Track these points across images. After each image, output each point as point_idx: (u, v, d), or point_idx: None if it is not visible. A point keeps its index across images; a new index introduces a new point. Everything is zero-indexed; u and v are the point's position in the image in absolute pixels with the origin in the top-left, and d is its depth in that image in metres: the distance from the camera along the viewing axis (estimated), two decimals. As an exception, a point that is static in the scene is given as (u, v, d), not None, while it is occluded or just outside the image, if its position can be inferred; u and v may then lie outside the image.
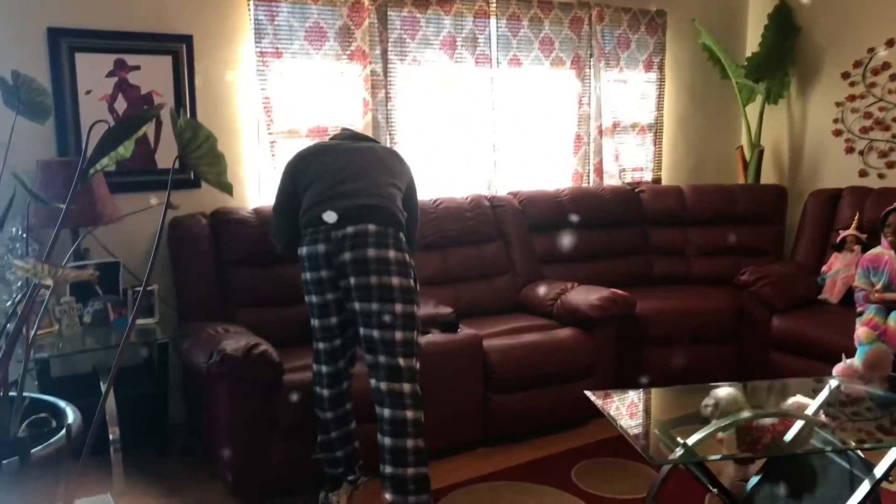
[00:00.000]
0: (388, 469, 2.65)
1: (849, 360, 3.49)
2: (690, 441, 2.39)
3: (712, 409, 2.78)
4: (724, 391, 2.46)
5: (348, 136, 3.07)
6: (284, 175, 2.95)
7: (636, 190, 4.81)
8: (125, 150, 1.31)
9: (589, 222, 4.49)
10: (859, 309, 3.78)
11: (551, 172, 4.71)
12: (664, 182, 5.16)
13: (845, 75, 4.77)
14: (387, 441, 2.65)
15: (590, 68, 4.71)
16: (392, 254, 2.64)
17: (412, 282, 2.70)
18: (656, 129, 5.06)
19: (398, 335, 2.64)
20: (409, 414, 2.65)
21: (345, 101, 3.89)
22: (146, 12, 3.47)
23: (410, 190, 3.00)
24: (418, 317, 2.73)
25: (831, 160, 4.92)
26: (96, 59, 3.37)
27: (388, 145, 3.90)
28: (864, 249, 4.06)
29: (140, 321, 3.28)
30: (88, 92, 3.36)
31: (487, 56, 4.33)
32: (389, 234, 2.66)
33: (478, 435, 3.47)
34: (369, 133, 3.89)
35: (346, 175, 2.78)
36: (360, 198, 2.71)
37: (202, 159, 1.29)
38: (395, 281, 2.63)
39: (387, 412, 2.65)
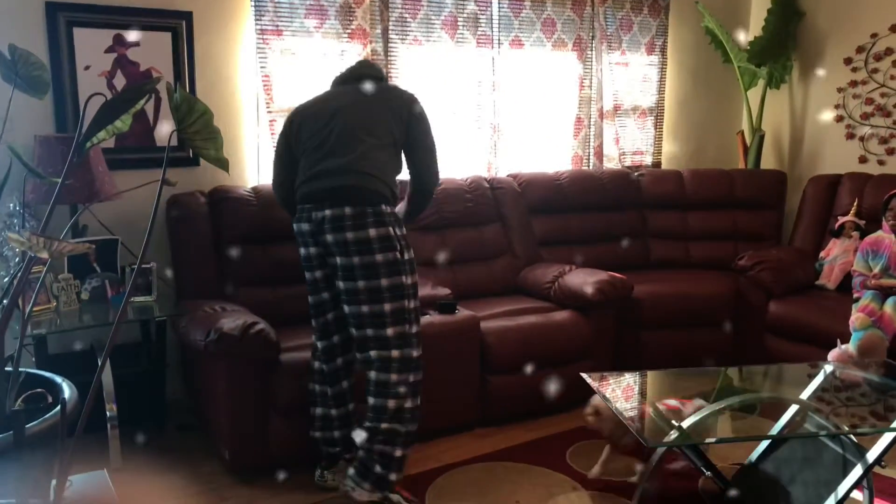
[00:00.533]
0: (367, 423, 2.71)
1: (843, 346, 3.50)
2: (685, 424, 2.40)
3: (593, 417, 2.81)
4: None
5: (342, 79, 2.93)
6: (280, 136, 2.93)
7: (636, 174, 4.80)
8: (122, 123, 1.31)
9: (588, 205, 4.49)
10: (856, 295, 3.79)
11: (551, 155, 4.70)
12: (664, 166, 5.14)
13: (847, 61, 4.74)
14: (370, 400, 2.70)
15: (592, 50, 4.68)
16: (372, 232, 2.63)
17: (398, 253, 2.68)
18: (657, 112, 5.04)
19: (387, 307, 2.66)
20: (394, 377, 2.67)
21: (345, 80, 3.87)
22: (145, -12, 3.44)
23: (413, 132, 2.82)
24: (408, 286, 2.73)
25: (831, 146, 4.91)
26: (95, 35, 3.35)
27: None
28: (863, 236, 4.07)
29: (138, 299, 3.29)
30: (87, 67, 3.34)
31: (489, 37, 4.31)
32: (368, 213, 2.64)
33: (474, 416, 3.48)
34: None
35: (329, 148, 2.72)
36: (340, 177, 2.67)
37: (198, 134, 1.28)
38: (379, 258, 2.63)
39: (373, 374, 2.69)
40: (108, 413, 2.79)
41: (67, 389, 1.45)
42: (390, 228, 2.67)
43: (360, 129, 2.74)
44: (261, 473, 3.03)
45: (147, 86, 1.27)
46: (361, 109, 2.79)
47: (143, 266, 3.26)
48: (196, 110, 1.28)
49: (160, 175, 1.59)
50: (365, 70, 2.89)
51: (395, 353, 2.67)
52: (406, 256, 2.72)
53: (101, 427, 2.76)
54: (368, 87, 2.82)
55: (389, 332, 2.67)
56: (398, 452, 2.70)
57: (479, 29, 4.26)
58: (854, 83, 4.73)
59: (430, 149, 2.87)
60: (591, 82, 4.71)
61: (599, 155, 4.80)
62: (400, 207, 2.96)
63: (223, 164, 1.39)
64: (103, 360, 1.36)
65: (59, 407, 1.26)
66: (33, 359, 2.95)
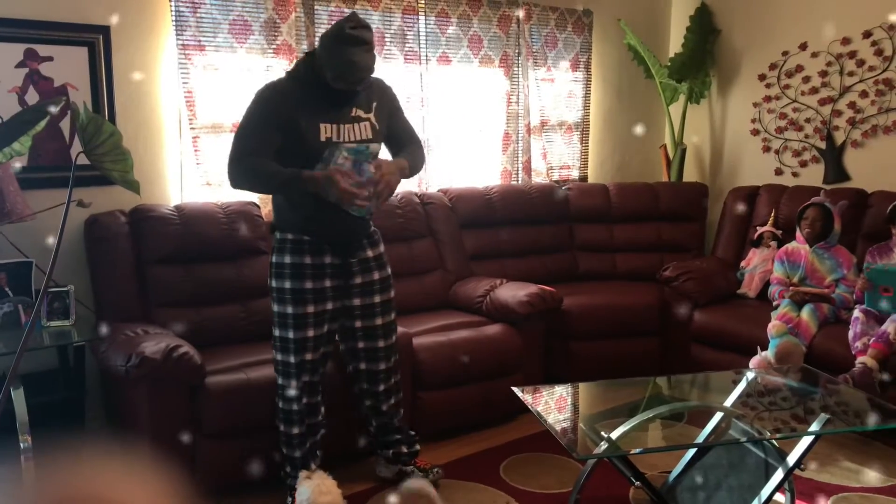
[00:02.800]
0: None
1: (763, 353, 3.62)
2: (614, 435, 2.43)
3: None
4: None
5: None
6: None
7: (563, 187, 4.88)
8: (21, 146, 1.25)
9: (517, 219, 4.54)
10: (774, 303, 3.93)
11: (481, 170, 4.73)
12: (590, 180, 5.24)
13: (762, 77, 4.93)
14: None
15: (518, 67, 4.75)
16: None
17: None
18: (583, 127, 5.14)
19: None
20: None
21: (270, 96, 3.82)
22: (59, 1, 3.32)
23: (394, 121, 2.94)
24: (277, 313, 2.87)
25: (749, 159, 5.09)
26: (4, 49, 3.21)
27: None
28: (780, 245, 4.22)
29: (55, 323, 3.15)
30: (-4, 83, 3.20)
31: (416, 53, 4.32)
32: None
33: (407, 433, 3.46)
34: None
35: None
36: None
37: (106, 156, 1.24)
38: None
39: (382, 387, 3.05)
40: (21, 444, 2.65)
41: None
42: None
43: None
44: (187, 501, 2.92)
45: (46, 105, 1.21)
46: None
47: (60, 289, 3.13)
48: (104, 131, 1.24)
49: (77, 194, 1.53)
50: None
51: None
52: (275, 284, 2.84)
53: (16, 458, 2.63)
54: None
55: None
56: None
57: (407, 45, 4.27)
58: (768, 98, 4.92)
59: (417, 141, 3.08)
60: (517, 98, 4.77)
61: (528, 169, 4.86)
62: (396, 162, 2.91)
63: (133, 187, 1.34)
64: (6, 387, 1.29)
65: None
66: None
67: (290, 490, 2.82)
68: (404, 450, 3.10)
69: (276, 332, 2.84)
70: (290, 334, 2.79)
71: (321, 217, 2.74)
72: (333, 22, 3.97)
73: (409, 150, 2.98)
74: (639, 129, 5.38)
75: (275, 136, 2.68)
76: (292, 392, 2.84)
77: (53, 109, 1.65)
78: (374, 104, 2.86)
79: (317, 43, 3.90)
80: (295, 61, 2.83)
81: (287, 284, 2.78)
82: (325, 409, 2.99)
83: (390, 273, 3.02)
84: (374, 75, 2.82)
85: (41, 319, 3.05)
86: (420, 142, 3.08)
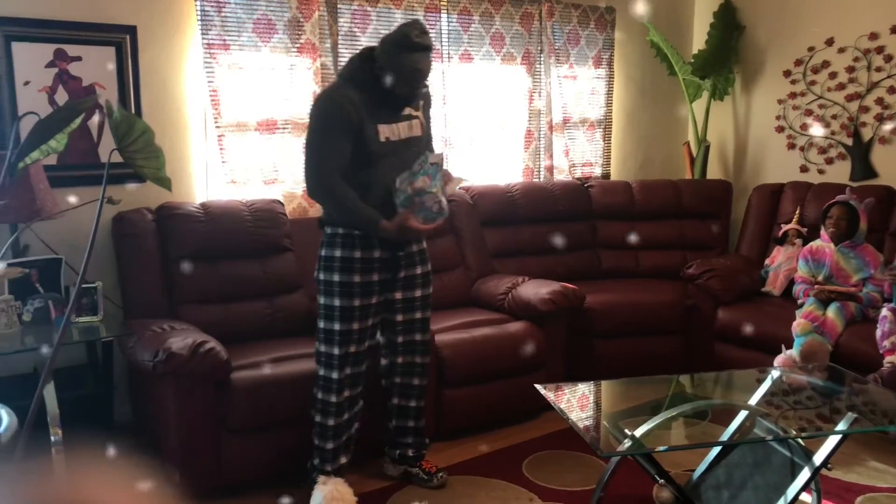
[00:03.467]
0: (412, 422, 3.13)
1: (788, 352, 3.59)
2: (638, 432, 2.43)
3: None
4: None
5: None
6: None
7: (585, 185, 4.87)
8: (57, 143, 1.27)
9: (539, 217, 4.53)
10: (799, 301, 3.89)
11: (503, 167, 4.73)
12: (613, 177, 5.22)
13: (787, 73, 4.89)
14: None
15: (540, 64, 4.74)
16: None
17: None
18: (605, 124, 5.12)
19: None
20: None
21: (294, 94, 3.84)
22: (88, 1, 3.37)
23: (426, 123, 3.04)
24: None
25: (774, 156, 5.05)
26: (35, 49, 3.26)
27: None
28: (805, 243, 4.18)
29: (83, 319, 3.19)
30: (27, 83, 3.25)
31: (439, 51, 4.32)
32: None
33: (429, 430, 3.46)
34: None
35: None
36: None
37: (138, 153, 1.26)
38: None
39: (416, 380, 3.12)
40: (52, 437, 2.70)
41: (6, 417, 1.40)
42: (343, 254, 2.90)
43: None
44: (213, 495, 2.96)
45: (82, 104, 1.24)
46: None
47: (89, 285, 3.18)
48: (136, 129, 1.26)
49: (102, 192, 1.56)
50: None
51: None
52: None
53: (48, 450, 2.67)
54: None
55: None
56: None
57: (429, 43, 4.27)
58: (793, 94, 4.87)
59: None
60: (540, 95, 4.77)
61: (550, 167, 4.85)
62: None
63: (165, 184, 1.36)
64: (42, 382, 1.32)
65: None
66: (-28, 384, 2.85)
67: (313, 483, 2.85)
68: (410, 453, 3.14)
69: (322, 324, 2.89)
70: (336, 326, 2.85)
71: None
72: (356, 20, 4.00)
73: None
74: (663, 128, 5.35)
75: (348, 146, 2.76)
76: (334, 384, 2.87)
77: (97, 103, 1.67)
78: (422, 102, 2.97)
79: (340, 42, 3.94)
80: (348, 63, 2.86)
81: (335, 277, 2.83)
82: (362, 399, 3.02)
83: (430, 269, 3.06)
84: None
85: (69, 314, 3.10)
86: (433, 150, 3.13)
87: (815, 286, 3.87)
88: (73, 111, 1.19)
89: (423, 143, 2.96)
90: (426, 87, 3.01)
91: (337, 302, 2.84)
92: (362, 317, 2.87)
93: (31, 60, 3.26)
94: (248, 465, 2.98)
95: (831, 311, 3.66)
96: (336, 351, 2.85)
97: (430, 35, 2.80)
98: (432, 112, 3.12)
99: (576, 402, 2.87)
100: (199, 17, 3.58)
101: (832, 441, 2.47)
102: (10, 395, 1.68)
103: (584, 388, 3.02)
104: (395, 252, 2.91)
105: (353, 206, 2.76)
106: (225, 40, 3.63)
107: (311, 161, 2.80)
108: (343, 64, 3.95)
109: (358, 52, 2.90)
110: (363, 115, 2.75)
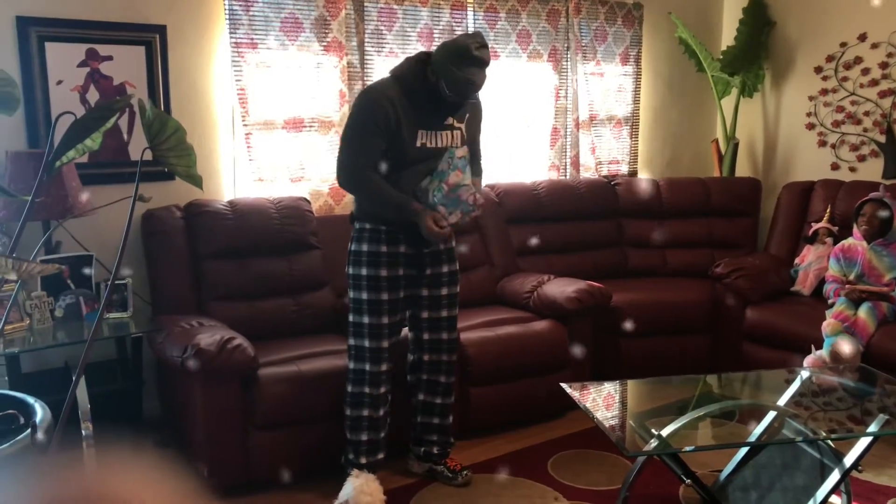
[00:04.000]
0: (437, 420, 3.13)
1: (818, 352, 3.54)
2: (665, 432, 2.41)
3: None
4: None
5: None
6: None
7: (612, 183, 4.83)
8: (93, 142, 1.29)
9: (565, 215, 4.51)
10: (830, 301, 3.83)
11: (528, 165, 4.71)
12: (640, 175, 5.18)
13: (818, 69, 4.81)
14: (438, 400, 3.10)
15: (567, 61, 4.71)
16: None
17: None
18: (632, 122, 5.08)
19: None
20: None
21: (321, 92, 3.86)
22: (118, 1, 3.42)
23: (472, 139, 3.03)
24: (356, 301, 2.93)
25: (804, 153, 4.98)
26: (67, 49, 3.32)
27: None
28: (836, 242, 4.12)
29: (113, 315, 3.25)
30: (59, 82, 3.31)
31: (465, 48, 4.31)
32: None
33: (455, 428, 3.47)
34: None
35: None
36: None
37: (171, 151, 1.27)
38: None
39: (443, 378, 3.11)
40: (83, 431, 2.74)
41: (40, 410, 1.43)
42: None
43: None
44: (240, 490, 2.99)
45: (117, 104, 1.26)
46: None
47: (118, 282, 3.22)
48: (169, 127, 1.27)
49: (135, 190, 1.57)
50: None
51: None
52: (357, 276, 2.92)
53: (79, 444, 2.72)
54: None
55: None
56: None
57: (455, 40, 4.27)
58: (825, 91, 4.80)
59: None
60: (566, 93, 4.74)
61: (576, 164, 4.83)
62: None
63: (196, 181, 1.38)
64: (77, 377, 1.34)
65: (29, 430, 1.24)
66: (6, 378, 2.90)
67: (349, 476, 2.86)
68: (435, 450, 3.14)
69: (352, 318, 2.93)
70: (365, 319, 2.88)
71: None
72: (382, 19, 4.01)
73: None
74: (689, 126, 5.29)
75: (383, 142, 2.78)
76: (366, 375, 2.90)
77: (128, 103, 1.69)
78: (468, 115, 2.95)
79: (366, 41, 3.95)
80: (403, 62, 2.87)
81: (363, 272, 2.87)
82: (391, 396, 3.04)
83: (458, 268, 3.07)
84: None
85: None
86: (481, 168, 3.14)
87: (847, 286, 3.81)
88: (109, 110, 1.20)
89: None
90: (476, 99, 3.00)
91: (365, 295, 2.87)
92: (392, 311, 2.90)
93: (63, 60, 3.31)
94: (274, 460, 3.00)
95: (863, 312, 3.60)
96: (366, 343, 2.88)
97: (488, 49, 2.79)
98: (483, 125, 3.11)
99: (602, 401, 2.86)
100: (227, 17, 3.61)
101: (863, 443, 2.43)
102: (41, 389, 1.71)
103: (610, 388, 3.01)
104: (421, 248, 2.92)
105: (383, 192, 2.79)
106: (252, 39, 3.66)
107: (345, 153, 2.85)
108: (369, 62, 3.99)
109: (415, 53, 2.91)
110: (402, 116, 2.76)
